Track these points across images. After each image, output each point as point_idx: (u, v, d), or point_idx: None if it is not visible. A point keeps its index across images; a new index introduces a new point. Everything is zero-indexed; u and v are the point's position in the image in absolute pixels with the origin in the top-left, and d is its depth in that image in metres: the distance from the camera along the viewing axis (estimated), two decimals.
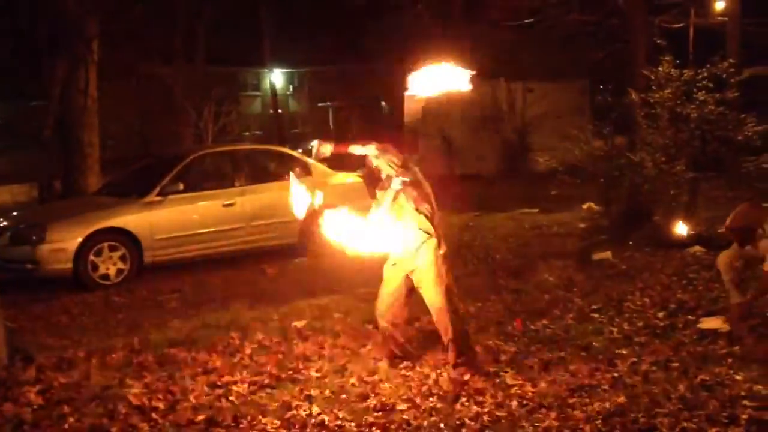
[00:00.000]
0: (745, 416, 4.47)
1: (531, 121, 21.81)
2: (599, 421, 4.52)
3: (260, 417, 4.82)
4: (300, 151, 15.43)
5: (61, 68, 13.65)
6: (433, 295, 5.37)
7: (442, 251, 5.39)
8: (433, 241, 5.36)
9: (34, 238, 9.11)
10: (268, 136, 34.01)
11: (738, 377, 5.06)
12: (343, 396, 5.13)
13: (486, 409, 4.79)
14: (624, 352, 5.73)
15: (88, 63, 12.95)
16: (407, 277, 5.47)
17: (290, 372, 5.65)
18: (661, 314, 6.64)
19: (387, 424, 4.66)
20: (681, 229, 9.57)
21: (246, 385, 5.39)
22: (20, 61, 21.16)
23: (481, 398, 4.96)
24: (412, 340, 5.95)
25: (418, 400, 4.99)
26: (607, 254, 9.14)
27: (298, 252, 10.51)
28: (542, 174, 15.85)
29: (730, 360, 5.41)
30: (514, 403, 4.88)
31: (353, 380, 5.41)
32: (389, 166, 5.45)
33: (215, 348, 6.31)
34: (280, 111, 36.74)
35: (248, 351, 6.19)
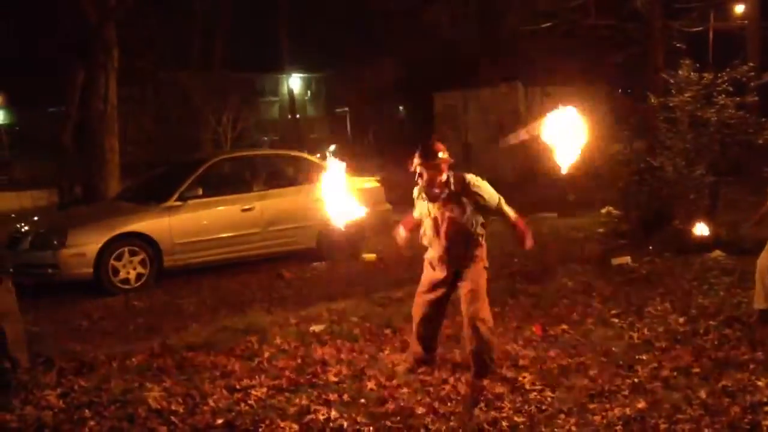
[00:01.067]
0: (767, 423, 4.43)
1: None
2: (619, 427, 4.49)
3: (279, 421, 4.82)
4: (318, 156, 15.47)
5: (81, 75, 13.77)
6: (471, 303, 5.39)
7: (485, 264, 5.49)
8: (484, 249, 5.44)
9: (55, 242, 9.17)
10: (286, 141, 34.13)
11: (760, 383, 5.02)
12: (362, 400, 5.12)
13: (504, 415, 4.77)
14: (644, 357, 5.69)
15: (108, 69, 13.05)
16: (451, 281, 5.50)
17: (308, 376, 5.65)
18: (681, 319, 6.60)
19: (405, 429, 4.65)
20: (701, 229, 9.49)
21: (264, 389, 5.40)
22: (39, 68, 21.38)
23: (499, 403, 4.94)
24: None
25: (436, 405, 4.97)
26: (626, 259, 9.09)
27: (315, 256, 10.53)
28: (561, 178, 15.77)
29: (752, 366, 5.36)
30: (533, 408, 4.85)
31: (371, 385, 5.41)
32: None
33: (234, 352, 6.33)
34: (298, 116, 36.86)
35: (266, 355, 6.20)
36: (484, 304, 5.42)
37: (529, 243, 5.60)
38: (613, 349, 5.91)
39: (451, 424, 4.69)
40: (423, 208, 5.57)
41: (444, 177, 5.42)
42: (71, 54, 14.44)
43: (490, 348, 5.44)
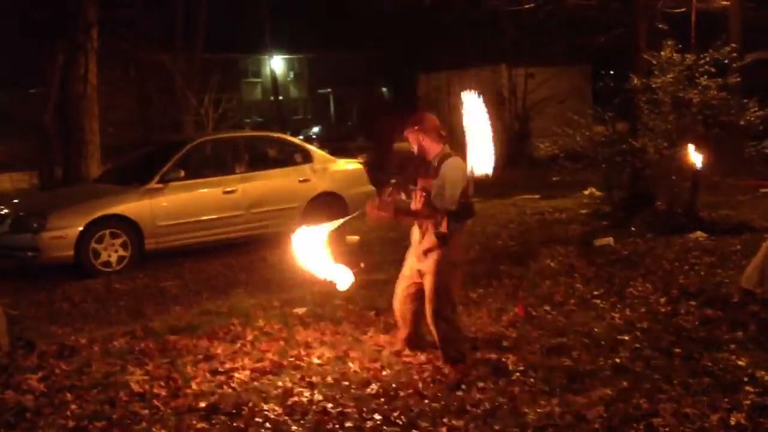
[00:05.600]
0: (747, 402, 4.47)
1: (532, 106, 21.75)
2: (601, 407, 4.51)
3: (262, 404, 4.81)
4: (301, 137, 15.38)
5: (61, 55, 13.62)
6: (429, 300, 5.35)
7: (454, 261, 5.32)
8: (444, 248, 5.27)
9: (36, 225, 9.09)
10: (269, 123, 33.97)
11: (740, 363, 5.06)
12: (345, 383, 5.12)
13: (487, 396, 4.78)
14: (626, 338, 5.73)
15: (88, 50, 12.91)
16: (419, 273, 5.44)
17: (292, 359, 5.64)
18: (663, 300, 6.64)
19: (389, 411, 4.66)
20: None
21: (247, 372, 5.39)
22: (20, 48, 21.11)
23: (482, 384, 4.95)
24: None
25: (420, 387, 4.98)
26: (608, 240, 9.13)
27: None
28: (544, 160, 15.85)
29: (732, 346, 5.40)
30: (516, 389, 4.87)
31: (355, 367, 5.41)
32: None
33: (216, 335, 6.30)
34: (281, 97, 36.62)
35: (249, 338, 6.19)
36: (435, 302, 5.33)
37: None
38: (596, 329, 5.94)
39: (435, 405, 4.70)
40: None
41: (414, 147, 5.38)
42: (52, 34, 14.27)
43: (446, 342, 5.37)
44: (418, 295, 5.47)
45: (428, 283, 5.30)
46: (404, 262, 5.59)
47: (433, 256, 5.26)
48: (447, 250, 5.23)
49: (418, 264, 5.39)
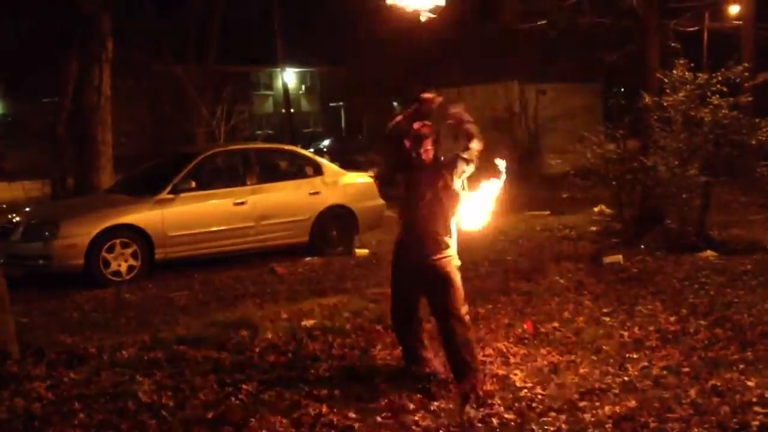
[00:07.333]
0: (756, 423, 4.44)
1: (543, 123, 21.78)
2: (609, 425, 4.50)
3: (269, 416, 4.81)
4: (311, 150, 15.39)
5: (75, 66, 13.71)
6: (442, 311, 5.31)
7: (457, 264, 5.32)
8: (454, 251, 5.29)
9: (47, 234, 9.14)
10: (280, 136, 34.09)
11: (750, 383, 5.04)
12: (353, 397, 5.12)
13: (495, 412, 4.77)
14: (635, 356, 5.71)
15: (102, 61, 12.98)
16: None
17: (299, 371, 5.64)
18: (672, 318, 6.62)
19: (396, 425, 4.65)
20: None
21: (255, 384, 5.38)
22: (33, 58, 21.30)
23: (490, 400, 4.94)
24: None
25: (427, 401, 4.97)
26: (618, 257, 9.11)
27: (308, 251, 10.53)
28: (554, 176, 15.86)
29: (741, 366, 5.38)
30: (524, 405, 4.86)
31: (363, 381, 5.40)
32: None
33: (225, 346, 6.31)
34: (292, 110, 36.74)
35: (257, 350, 6.19)
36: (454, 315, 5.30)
37: None
38: (604, 347, 5.93)
39: (442, 420, 4.69)
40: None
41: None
42: (66, 45, 14.38)
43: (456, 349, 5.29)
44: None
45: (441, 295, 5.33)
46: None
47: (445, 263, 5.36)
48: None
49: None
